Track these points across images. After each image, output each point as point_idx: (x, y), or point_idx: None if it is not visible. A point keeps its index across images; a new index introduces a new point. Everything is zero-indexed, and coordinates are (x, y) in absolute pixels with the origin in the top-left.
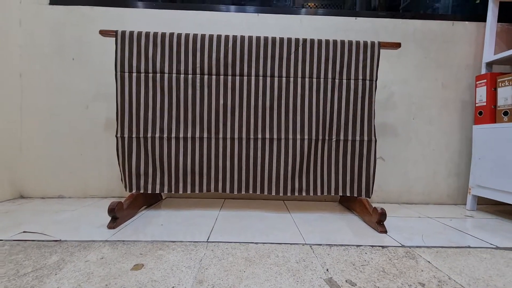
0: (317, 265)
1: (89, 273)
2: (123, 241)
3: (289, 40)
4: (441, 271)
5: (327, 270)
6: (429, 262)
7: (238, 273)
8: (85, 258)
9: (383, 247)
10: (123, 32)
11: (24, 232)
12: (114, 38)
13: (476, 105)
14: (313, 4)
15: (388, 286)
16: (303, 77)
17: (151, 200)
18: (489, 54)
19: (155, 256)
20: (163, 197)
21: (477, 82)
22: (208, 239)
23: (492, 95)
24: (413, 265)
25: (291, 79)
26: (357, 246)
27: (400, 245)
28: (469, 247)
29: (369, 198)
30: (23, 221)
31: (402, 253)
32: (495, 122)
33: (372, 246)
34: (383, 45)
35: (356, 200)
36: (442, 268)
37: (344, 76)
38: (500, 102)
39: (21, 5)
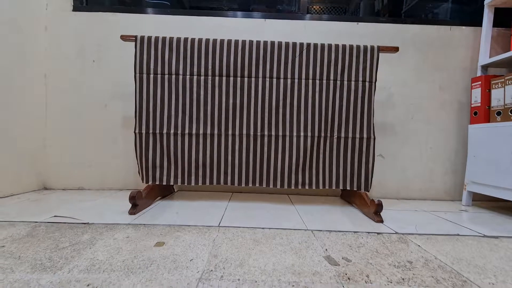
0: (317, 246)
1: (118, 248)
2: (144, 224)
3: (294, 44)
4: (428, 252)
5: (326, 249)
6: (419, 245)
7: (247, 250)
8: (113, 236)
9: (378, 233)
10: (142, 37)
11: (55, 216)
12: (133, 43)
13: (472, 105)
14: (318, 6)
15: (379, 263)
16: (306, 78)
17: (165, 192)
18: (485, 57)
19: (174, 236)
20: (175, 190)
21: (473, 84)
22: (219, 224)
23: (487, 96)
24: (404, 248)
25: (296, 81)
26: (355, 232)
27: (394, 232)
28: (458, 234)
29: (368, 191)
30: (52, 208)
31: (395, 238)
32: (489, 122)
33: (368, 232)
34: (382, 49)
35: (355, 193)
36: (430, 251)
37: (345, 78)
38: (494, 102)
39: (47, 12)
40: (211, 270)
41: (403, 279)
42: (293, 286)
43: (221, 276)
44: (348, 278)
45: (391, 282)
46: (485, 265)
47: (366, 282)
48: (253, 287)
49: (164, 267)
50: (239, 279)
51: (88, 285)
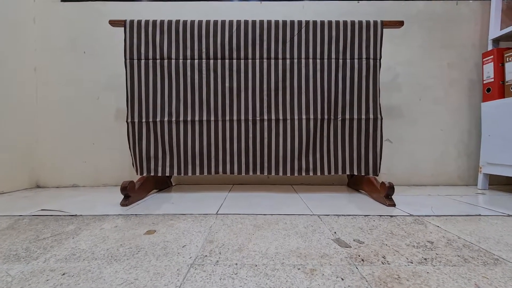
0: (324, 229)
1: (104, 237)
2: (136, 214)
3: (292, 22)
4: (450, 232)
5: (335, 233)
6: (438, 226)
7: (247, 235)
8: (100, 226)
9: (391, 216)
10: (131, 21)
11: (42, 210)
12: (123, 31)
13: (484, 82)
14: None
15: (396, 244)
16: (306, 58)
17: (161, 185)
18: (495, 30)
19: (167, 225)
20: (173, 184)
21: (484, 59)
22: (217, 212)
23: (500, 71)
24: (421, 229)
25: (295, 61)
26: (365, 215)
27: (409, 215)
28: (479, 215)
29: (377, 176)
30: (41, 203)
31: (410, 220)
32: (503, 98)
33: (380, 215)
34: (386, 23)
35: (363, 179)
36: (452, 231)
37: (348, 56)
38: (508, 76)
39: (35, 3)
40: (205, 256)
41: (425, 259)
42: (299, 269)
43: (216, 261)
44: (362, 260)
45: (412, 263)
46: None
47: (383, 263)
48: (253, 271)
49: (152, 254)
50: (236, 264)
51: (63, 274)
